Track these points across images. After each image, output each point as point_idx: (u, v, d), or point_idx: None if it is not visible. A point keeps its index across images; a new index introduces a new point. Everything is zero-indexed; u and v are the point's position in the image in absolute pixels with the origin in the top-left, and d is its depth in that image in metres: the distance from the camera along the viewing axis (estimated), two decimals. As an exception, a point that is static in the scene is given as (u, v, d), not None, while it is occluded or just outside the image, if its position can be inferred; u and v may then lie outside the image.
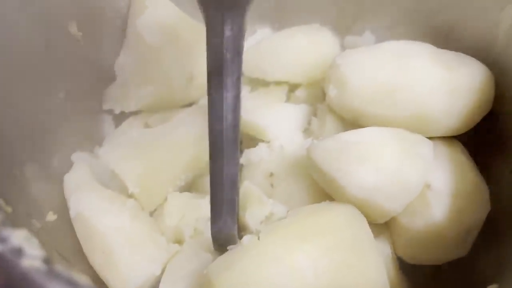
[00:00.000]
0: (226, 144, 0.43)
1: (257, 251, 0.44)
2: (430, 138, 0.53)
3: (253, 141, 0.62)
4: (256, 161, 0.59)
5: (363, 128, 0.50)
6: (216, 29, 0.40)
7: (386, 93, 0.53)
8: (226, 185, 0.45)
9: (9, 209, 0.37)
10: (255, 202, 0.54)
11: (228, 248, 0.47)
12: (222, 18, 0.39)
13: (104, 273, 0.49)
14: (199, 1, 0.40)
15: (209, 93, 0.42)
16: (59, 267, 0.29)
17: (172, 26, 0.58)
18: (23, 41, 0.48)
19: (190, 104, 0.63)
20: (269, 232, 0.46)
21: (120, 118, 0.62)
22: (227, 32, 0.40)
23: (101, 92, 0.61)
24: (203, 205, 0.53)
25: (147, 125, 0.61)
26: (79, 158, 0.55)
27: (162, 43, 0.57)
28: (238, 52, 0.41)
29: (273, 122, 0.61)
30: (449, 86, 0.52)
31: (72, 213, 0.50)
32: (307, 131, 0.63)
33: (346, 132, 0.50)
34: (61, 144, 0.55)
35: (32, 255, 0.29)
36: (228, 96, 0.42)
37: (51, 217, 0.48)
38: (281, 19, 0.70)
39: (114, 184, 0.54)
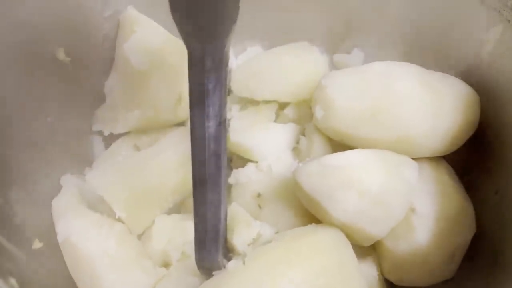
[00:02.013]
0: (209, 172, 0.44)
1: (241, 276, 0.45)
2: (415, 158, 0.53)
3: (243, 160, 0.62)
4: (244, 182, 0.59)
5: (347, 151, 0.50)
6: (197, 61, 0.40)
7: (371, 115, 0.53)
8: (210, 213, 0.46)
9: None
10: (242, 225, 0.54)
11: (213, 273, 0.48)
12: (203, 50, 0.40)
13: (92, 298, 0.50)
14: (181, 34, 0.40)
15: (191, 122, 0.43)
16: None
17: (159, 49, 0.58)
18: (9, 67, 0.49)
19: (179, 125, 0.63)
20: (254, 257, 0.46)
21: (110, 139, 0.63)
22: (208, 64, 0.40)
23: (91, 114, 0.62)
24: (190, 228, 0.53)
25: (136, 147, 0.61)
26: (68, 182, 0.56)
27: (150, 66, 0.57)
28: (219, 82, 0.41)
29: (262, 142, 0.61)
30: (434, 107, 0.53)
31: (60, 238, 0.51)
32: (295, 150, 0.63)
33: (330, 155, 0.50)
34: (50, 167, 0.55)
35: None
36: (211, 125, 0.42)
37: (37, 245, 0.48)
38: (271, 37, 0.70)
39: (103, 207, 0.54)
